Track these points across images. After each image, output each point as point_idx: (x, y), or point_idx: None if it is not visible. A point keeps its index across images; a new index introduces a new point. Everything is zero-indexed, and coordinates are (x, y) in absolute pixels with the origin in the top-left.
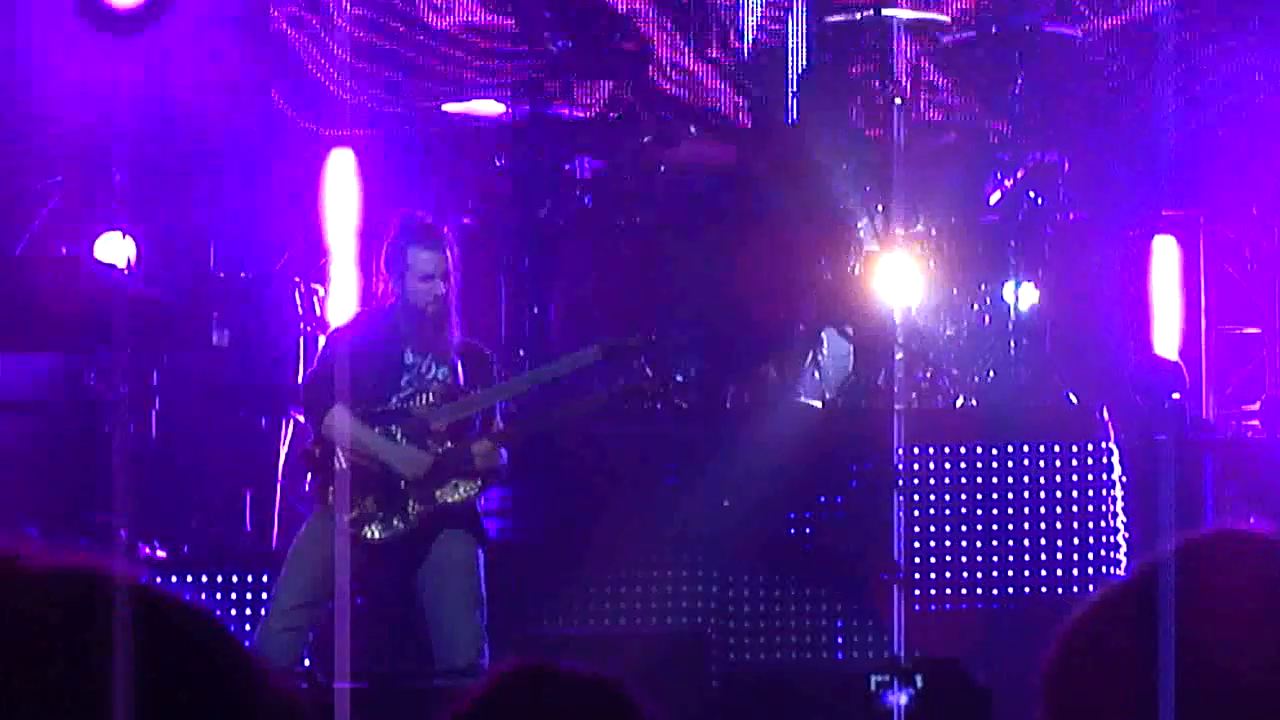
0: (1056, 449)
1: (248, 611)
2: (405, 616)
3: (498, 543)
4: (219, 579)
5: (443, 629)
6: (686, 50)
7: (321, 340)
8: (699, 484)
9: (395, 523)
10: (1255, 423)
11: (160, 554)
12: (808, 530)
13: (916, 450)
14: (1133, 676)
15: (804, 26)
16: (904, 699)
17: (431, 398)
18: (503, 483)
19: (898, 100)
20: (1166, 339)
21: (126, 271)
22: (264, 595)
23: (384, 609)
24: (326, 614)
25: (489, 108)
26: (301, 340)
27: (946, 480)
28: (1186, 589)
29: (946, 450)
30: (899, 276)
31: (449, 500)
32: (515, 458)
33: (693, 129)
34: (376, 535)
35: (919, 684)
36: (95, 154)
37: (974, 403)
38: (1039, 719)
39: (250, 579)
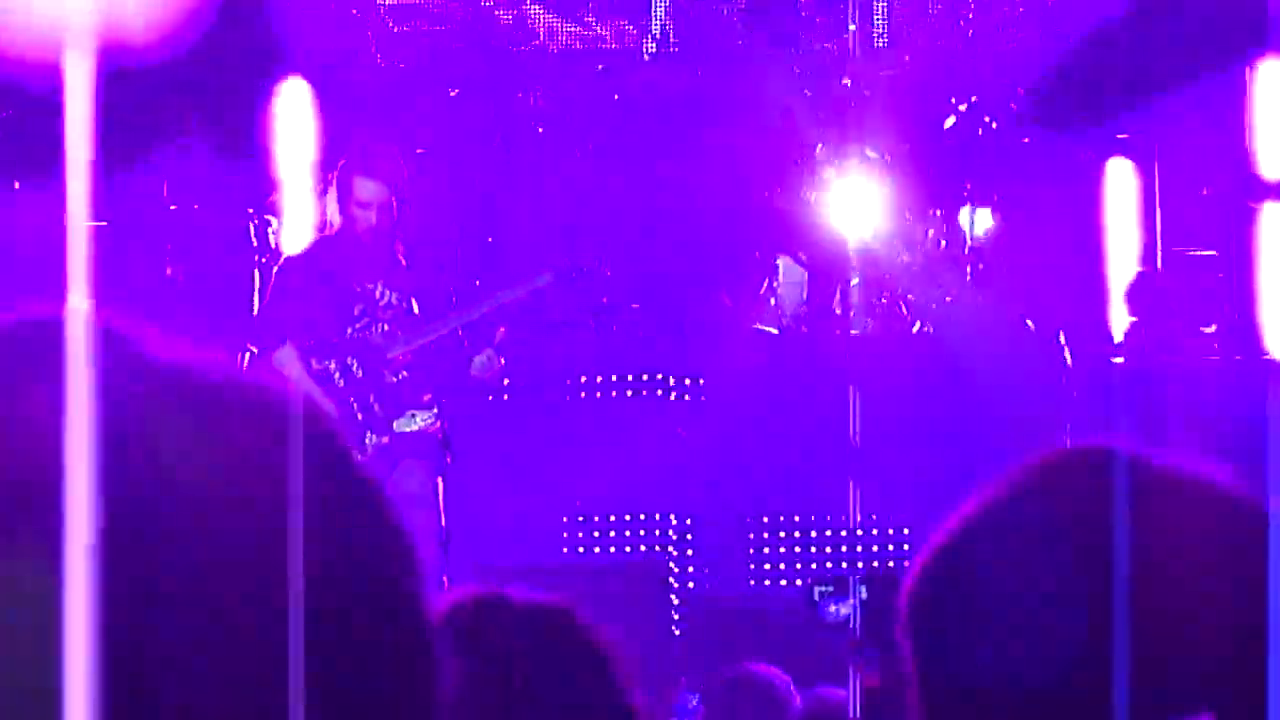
0: (1012, 372)
1: None
2: None
3: (462, 473)
4: None
5: None
6: None
7: (275, 273)
8: (656, 412)
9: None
10: (1213, 345)
11: None
12: (764, 456)
13: (873, 376)
14: (989, 596)
15: None
16: (845, 610)
17: (387, 326)
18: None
19: (851, 26)
20: (1123, 262)
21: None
22: None
23: None
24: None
25: None
26: (256, 273)
27: (903, 406)
28: (1037, 505)
29: (903, 375)
30: (854, 203)
31: (406, 430)
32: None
33: (646, 56)
34: None
35: (863, 595)
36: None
37: (930, 329)
38: (902, 642)
39: None
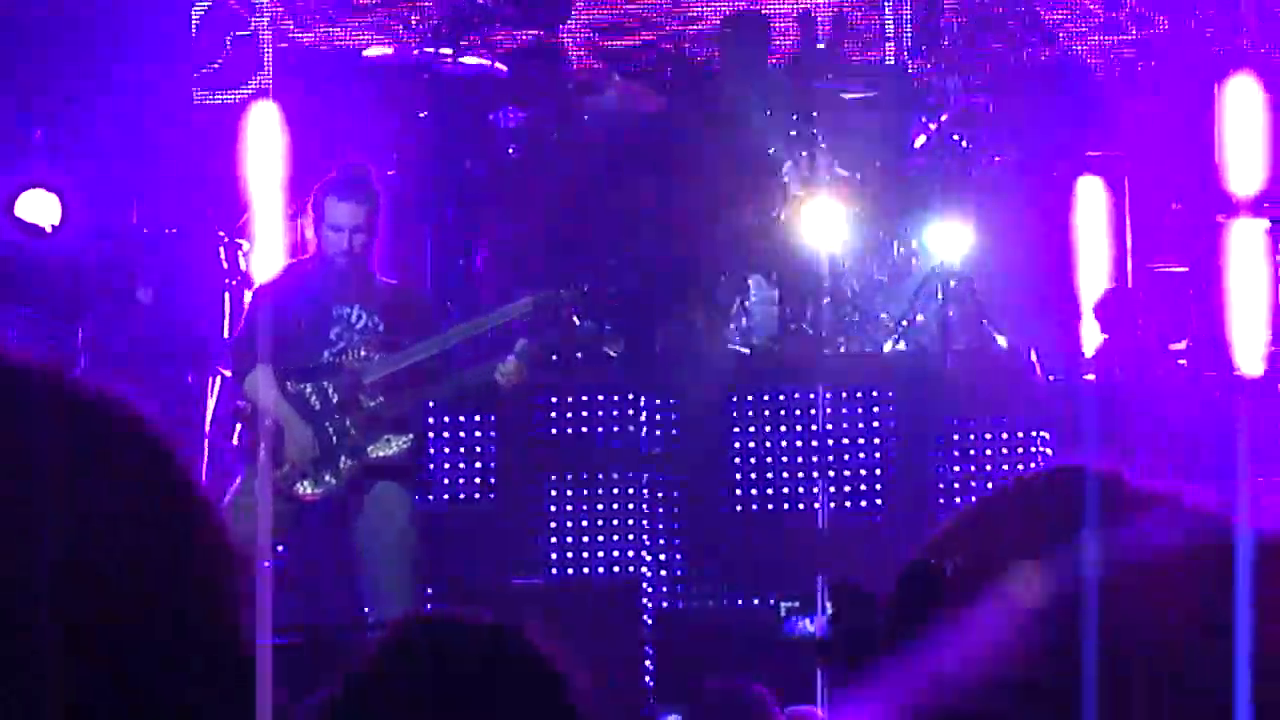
0: (985, 390)
1: None
2: (341, 571)
3: (436, 495)
4: None
5: (377, 582)
6: None
7: (248, 296)
8: (630, 432)
9: (327, 478)
10: (1182, 362)
11: None
12: (737, 476)
13: (844, 394)
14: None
15: None
16: (812, 626)
17: (364, 350)
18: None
19: (820, 45)
20: (1093, 279)
21: (49, 229)
22: None
23: (319, 564)
24: (262, 571)
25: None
26: (226, 296)
27: (874, 424)
28: (1007, 525)
29: (874, 394)
30: (825, 221)
31: (381, 455)
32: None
33: (617, 76)
34: (309, 491)
35: (830, 610)
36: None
37: (902, 346)
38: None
39: None
